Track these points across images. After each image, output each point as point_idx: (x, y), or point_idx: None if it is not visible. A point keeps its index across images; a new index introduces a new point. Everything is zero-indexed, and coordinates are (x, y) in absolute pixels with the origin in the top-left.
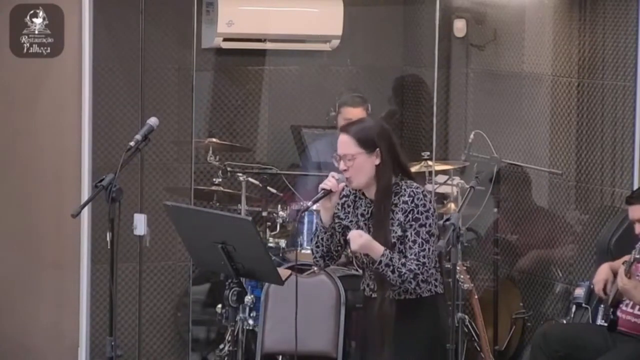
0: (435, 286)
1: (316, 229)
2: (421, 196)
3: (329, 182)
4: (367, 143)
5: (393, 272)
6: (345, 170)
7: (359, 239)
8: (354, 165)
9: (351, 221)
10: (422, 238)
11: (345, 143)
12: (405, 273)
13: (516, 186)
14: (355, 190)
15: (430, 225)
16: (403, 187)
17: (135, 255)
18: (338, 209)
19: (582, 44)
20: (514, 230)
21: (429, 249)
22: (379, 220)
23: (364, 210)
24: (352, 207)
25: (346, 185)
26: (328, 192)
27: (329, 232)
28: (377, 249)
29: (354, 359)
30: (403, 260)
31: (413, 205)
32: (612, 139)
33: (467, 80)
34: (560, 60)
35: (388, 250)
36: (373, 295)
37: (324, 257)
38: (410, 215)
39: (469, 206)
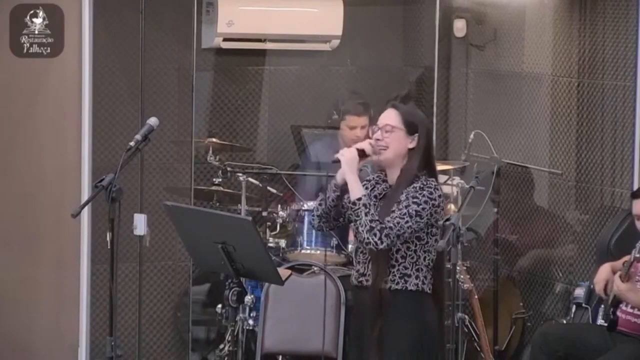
0: (424, 283)
1: (327, 188)
2: (432, 186)
3: (364, 145)
4: (410, 124)
5: (366, 215)
6: (379, 140)
7: (352, 152)
8: (390, 137)
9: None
10: (407, 210)
11: (391, 115)
12: (376, 221)
13: (516, 186)
14: (378, 174)
15: (423, 210)
16: (422, 180)
17: (135, 255)
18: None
19: (582, 44)
20: (514, 230)
21: (406, 222)
22: (389, 201)
23: (380, 192)
24: (369, 189)
25: (364, 168)
26: (362, 153)
27: (337, 192)
28: (360, 185)
29: (350, 351)
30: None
31: (419, 188)
32: (612, 139)
33: (467, 80)
34: (560, 60)
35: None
36: (362, 280)
37: (320, 217)
38: (410, 194)
39: (469, 206)
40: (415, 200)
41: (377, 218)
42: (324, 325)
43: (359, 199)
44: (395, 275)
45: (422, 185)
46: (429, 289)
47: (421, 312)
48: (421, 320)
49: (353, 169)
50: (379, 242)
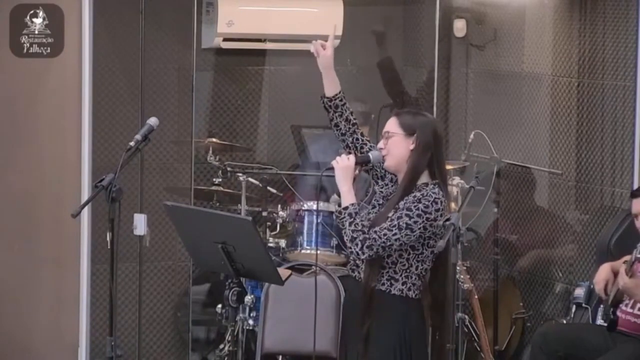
0: (409, 289)
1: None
2: (431, 198)
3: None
4: (407, 127)
5: (350, 224)
6: (382, 148)
7: (346, 161)
8: (389, 143)
9: (377, 192)
10: (398, 222)
11: (391, 122)
12: (359, 231)
13: (516, 186)
14: (394, 179)
15: (414, 223)
16: (425, 190)
17: (135, 255)
18: (383, 178)
19: (582, 44)
20: (514, 230)
21: (394, 235)
22: (390, 204)
23: (390, 193)
24: (386, 186)
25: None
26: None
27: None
28: (351, 195)
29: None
30: (365, 222)
31: (417, 200)
32: (612, 139)
33: (467, 80)
34: (560, 60)
35: (360, 206)
36: (356, 275)
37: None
38: (406, 204)
39: (469, 206)
40: (408, 212)
41: (360, 228)
42: (314, 323)
43: (345, 208)
44: (382, 277)
45: (420, 197)
46: (415, 295)
47: (403, 317)
48: (402, 324)
49: (346, 178)
50: (360, 252)
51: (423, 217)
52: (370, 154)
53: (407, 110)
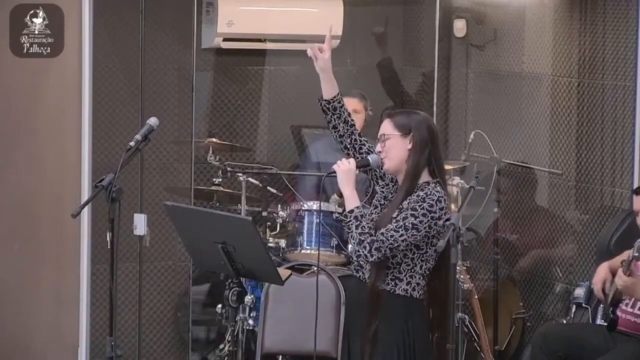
0: (413, 289)
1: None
2: (435, 197)
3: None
4: (402, 126)
5: (357, 227)
6: (380, 151)
7: (347, 165)
8: (386, 145)
9: (378, 193)
10: (404, 223)
11: (384, 125)
12: (366, 234)
13: (516, 186)
14: (394, 179)
15: (420, 222)
16: (428, 189)
17: (135, 255)
18: (382, 178)
19: (582, 44)
20: (514, 230)
21: (401, 235)
22: (392, 205)
23: (390, 193)
24: (387, 187)
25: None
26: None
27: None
28: (355, 197)
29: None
30: (371, 224)
31: (421, 199)
32: (612, 139)
33: (467, 80)
34: (560, 60)
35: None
36: (360, 275)
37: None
38: (411, 204)
39: (469, 206)
40: (413, 212)
41: (367, 231)
42: (315, 324)
43: (351, 212)
44: (387, 277)
45: (424, 196)
46: (419, 295)
47: (406, 316)
48: (406, 324)
49: (349, 181)
50: (368, 255)
51: (428, 217)
52: (369, 158)
53: (399, 110)
